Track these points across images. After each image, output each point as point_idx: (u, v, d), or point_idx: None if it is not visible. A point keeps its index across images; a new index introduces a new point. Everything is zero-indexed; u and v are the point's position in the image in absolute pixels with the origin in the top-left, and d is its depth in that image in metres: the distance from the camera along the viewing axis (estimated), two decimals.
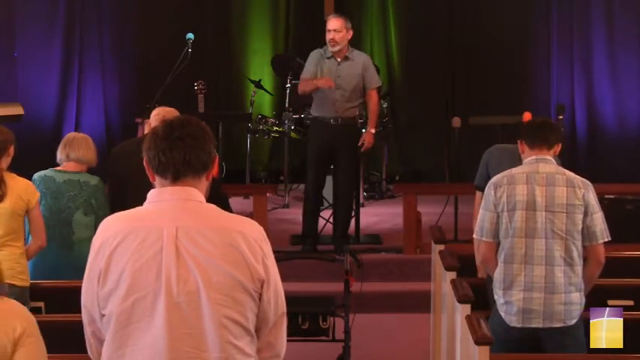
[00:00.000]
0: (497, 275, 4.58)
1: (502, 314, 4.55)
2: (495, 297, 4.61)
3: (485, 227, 4.59)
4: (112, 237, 2.73)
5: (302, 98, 8.64)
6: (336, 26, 7.88)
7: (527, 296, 4.48)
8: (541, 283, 4.46)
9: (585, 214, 4.49)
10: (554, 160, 4.63)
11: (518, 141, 4.73)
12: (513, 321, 4.51)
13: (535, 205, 4.49)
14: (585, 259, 4.56)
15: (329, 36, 7.89)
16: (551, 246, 4.46)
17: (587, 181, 4.57)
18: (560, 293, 4.45)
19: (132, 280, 2.69)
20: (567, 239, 4.47)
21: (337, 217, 8.08)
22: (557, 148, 4.67)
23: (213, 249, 2.70)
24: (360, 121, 8.03)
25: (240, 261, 2.71)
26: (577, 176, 4.58)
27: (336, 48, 7.87)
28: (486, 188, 4.65)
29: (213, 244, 2.70)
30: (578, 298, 4.49)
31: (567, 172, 4.59)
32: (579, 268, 4.50)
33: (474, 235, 4.68)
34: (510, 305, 4.52)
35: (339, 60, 7.91)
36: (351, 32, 7.94)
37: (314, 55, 8.05)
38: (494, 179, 4.65)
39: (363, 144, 7.95)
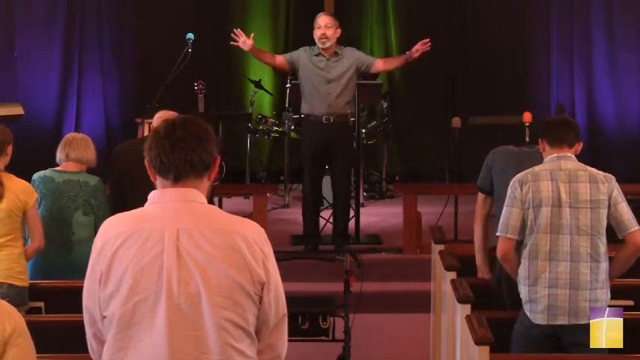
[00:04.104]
0: (522, 272, 4.54)
1: (527, 312, 4.51)
2: (520, 295, 4.57)
3: (512, 224, 4.54)
4: (114, 238, 2.73)
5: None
6: (326, 22, 7.88)
7: (552, 293, 4.45)
8: (566, 279, 4.44)
9: (609, 207, 4.49)
10: (574, 157, 4.61)
11: (539, 140, 4.70)
12: (538, 318, 4.48)
13: (560, 201, 4.48)
14: (621, 245, 4.54)
15: (319, 32, 7.86)
16: (577, 242, 4.45)
17: (610, 175, 4.57)
18: (586, 290, 4.44)
19: (133, 282, 2.68)
20: (593, 235, 4.46)
21: (336, 216, 8.09)
22: (579, 146, 4.65)
23: (214, 251, 2.69)
24: (352, 119, 7.99)
25: (241, 263, 2.70)
26: (599, 171, 4.57)
27: (327, 44, 7.84)
28: (510, 186, 4.59)
29: (214, 246, 2.70)
30: (604, 294, 4.48)
31: (589, 168, 4.58)
32: (605, 265, 4.50)
33: (498, 233, 4.60)
34: (535, 302, 4.49)
35: (327, 57, 7.91)
36: (339, 31, 7.94)
37: (301, 50, 8.05)
38: (518, 176, 4.60)
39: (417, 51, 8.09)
